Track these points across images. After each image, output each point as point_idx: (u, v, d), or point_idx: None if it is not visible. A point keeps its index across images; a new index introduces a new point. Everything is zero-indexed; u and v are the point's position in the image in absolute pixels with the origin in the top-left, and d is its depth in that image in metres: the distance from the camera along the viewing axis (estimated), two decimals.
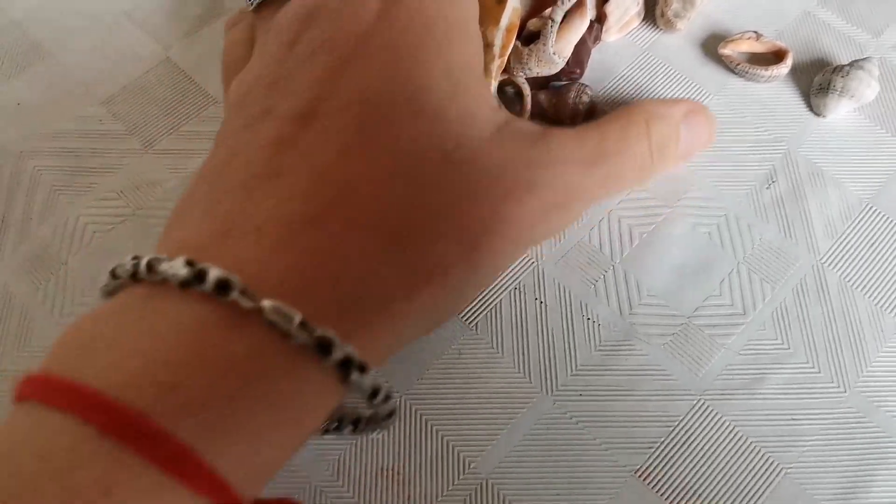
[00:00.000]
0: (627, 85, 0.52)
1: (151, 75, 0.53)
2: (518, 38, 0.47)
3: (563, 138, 0.32)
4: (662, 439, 0.42)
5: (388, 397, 0.30)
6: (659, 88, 0.52)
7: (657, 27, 0.54)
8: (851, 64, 0.50)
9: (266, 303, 0.25)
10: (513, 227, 0.31)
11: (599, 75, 0.52)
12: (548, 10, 0.47)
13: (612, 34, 0.53)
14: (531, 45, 0.47)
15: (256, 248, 0.27)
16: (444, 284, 0.29)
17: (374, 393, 0.29)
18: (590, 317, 0.45)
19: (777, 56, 0.52)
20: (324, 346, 0.26)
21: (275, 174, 0.28)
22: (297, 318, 0.25)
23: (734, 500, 0.41)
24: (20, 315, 0.45)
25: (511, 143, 0.31)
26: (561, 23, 0.47)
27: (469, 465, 0.41)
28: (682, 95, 0.51)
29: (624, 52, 0.53)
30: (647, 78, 0.52)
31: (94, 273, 0.46)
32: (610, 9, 0.52)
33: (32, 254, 0.47)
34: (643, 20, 0.54)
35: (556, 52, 0.47)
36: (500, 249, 0.31)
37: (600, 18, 0.52)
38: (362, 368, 0.27)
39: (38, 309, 0.45)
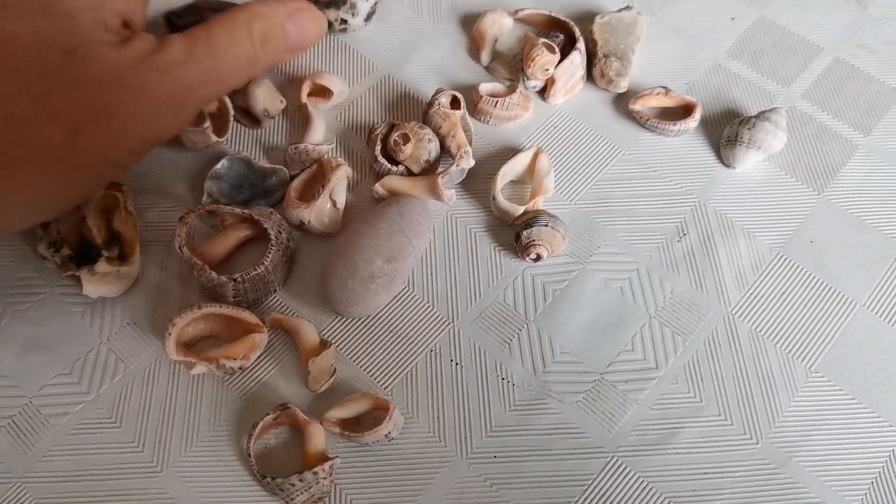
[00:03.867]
0: (540, 142, 0.53)
1: None
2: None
3: (177, 44, 0.36)
4: (577, 499, 0.42)
5: None
6: (573, 145, 0.53)
7: (599, 88, 0.55)
8: (758, 116, 0.51)
9: None
10: (122, 120, 0.35)
11: (515, 134, 0.53)
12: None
13: (558, 97, 0.54)
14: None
15: None
16: (43, 165, 0.34)
17: None
18: (505, 376, 0.45)
19: (686, 110, 0.53)
20: None
21: None
22: None
23: None
24: None
25: (131, 50, 0.35)
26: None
27: None
28: (595, 151, 0.52)
29: (538, 112, 0.54)
30: (560, 135, 0.53)
31: None
32: (558, 74, 0.53)
33: None
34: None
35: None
36: (108, 139, 0.35)
37: (549, 84, 0.54)
38: None
39: None
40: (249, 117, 0.53)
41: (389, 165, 0.50)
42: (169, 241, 0.49)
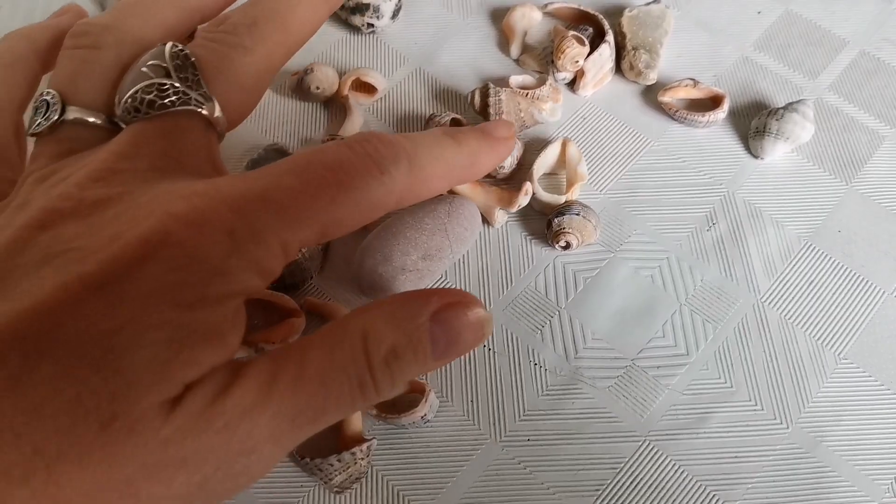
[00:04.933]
0: (570, 134, 0.54)
1: None
2: None
3: (249, 386, 0.24)
4: (609, 481, 0.42)
5: None
6: (602, 136, 0.53)
7: (628, 80, 0.56)
8: (786, 107, 0.51)
9: None
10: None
11: (544, 126, 0.54)
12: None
13: (588, 89, 0.55)
14: None
15: None
16: None
17: None
18: (537, 362, 0.46)
19: (714, 101, 0.54)
20: None
21: None
22: None
23: None
24: None
25: (181, 414, 0.23)
26: None
27: None
28: (624, 142, 0.53)
29: (568, 104, 0.55)
30: (590, 127, 0.54)
31: None
32: (587, 66, 0.54)
33: None
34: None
35: None
36: None
37: (578, 76, 0.54)
38: None
39: None
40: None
41: None
42: None
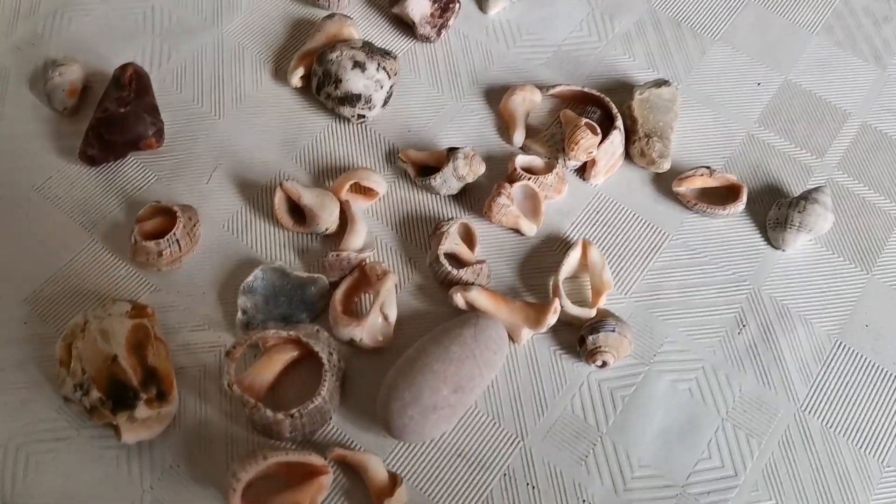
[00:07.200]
0: (585, 230, 0.51)
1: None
2: None
3: None
4: None
5: None
6: (619, 231, 0.51)
7: (637, 165, 0.53)
8: (806, 197, 0.50)
9: None
10: None
11: (558, 220, 0.51)
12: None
13: (600, 178, 0.52)
14: None
15: None
16: None
17: None
18: (585, 498, 0.43)
19: (731, 190, 0.52)
20: None
21: None
22: None
23: None
24: None
25: None
26: None
27: None
28: (642, 237, 0.51)
29: (579, 195, 0.52)
30: (605, 221, 0.51)
31: None
32: (599, 156, 0.51)
33: None
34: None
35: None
36: None
37: (589, 164, 0.52)
38: None
39: None
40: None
41: (454, 271, 0.47)
42: (202, 365, 0.46)
